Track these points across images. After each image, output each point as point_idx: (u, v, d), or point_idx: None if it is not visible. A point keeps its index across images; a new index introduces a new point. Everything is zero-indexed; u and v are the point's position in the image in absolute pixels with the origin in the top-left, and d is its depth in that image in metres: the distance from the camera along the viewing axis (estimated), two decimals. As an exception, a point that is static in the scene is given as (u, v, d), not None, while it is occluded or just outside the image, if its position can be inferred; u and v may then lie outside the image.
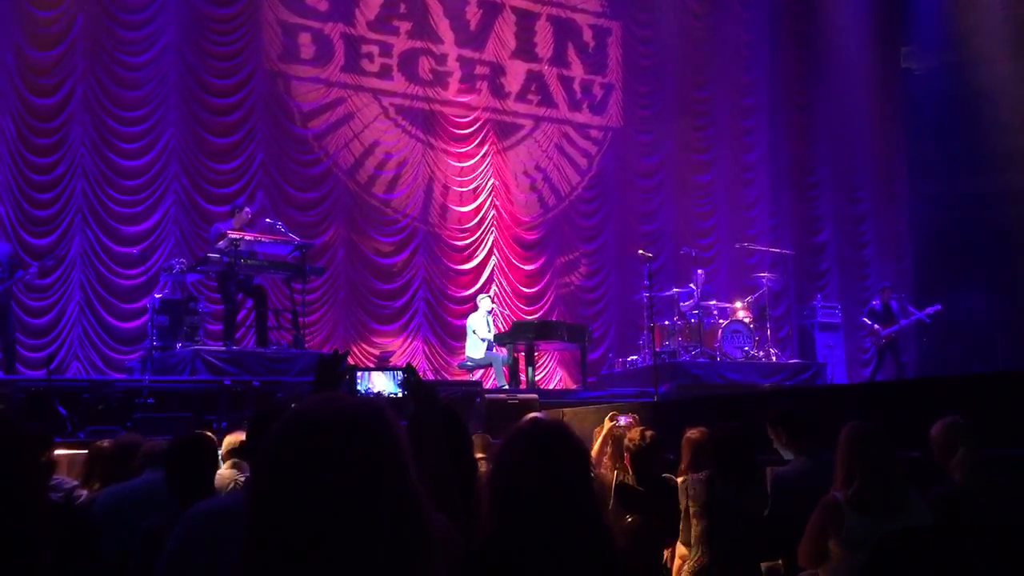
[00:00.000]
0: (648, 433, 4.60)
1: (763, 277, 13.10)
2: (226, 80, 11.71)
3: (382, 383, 8.18)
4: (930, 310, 12.84)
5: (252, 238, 9.60)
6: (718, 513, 3.97)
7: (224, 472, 4.06)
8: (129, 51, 11.15)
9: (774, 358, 12.58)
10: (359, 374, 8.14)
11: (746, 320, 12.32)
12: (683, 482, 4.23)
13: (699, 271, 12.64)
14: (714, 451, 4.12)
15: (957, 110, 15.27)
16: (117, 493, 3.68)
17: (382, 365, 11.91)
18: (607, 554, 2.02)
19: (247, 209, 9.87)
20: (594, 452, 5.00)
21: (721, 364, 11.75)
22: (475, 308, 11.93)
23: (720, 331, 12.06)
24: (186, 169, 11.36)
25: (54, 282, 10.53)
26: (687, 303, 12.31)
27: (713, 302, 12.50)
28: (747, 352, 12.05)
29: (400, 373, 8.10)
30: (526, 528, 1.96)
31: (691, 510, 4.10)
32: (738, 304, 12.60)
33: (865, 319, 13.21)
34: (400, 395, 7.70)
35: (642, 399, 10.14)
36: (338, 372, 2.29)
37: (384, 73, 12.84)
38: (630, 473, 4.56)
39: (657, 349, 11.62)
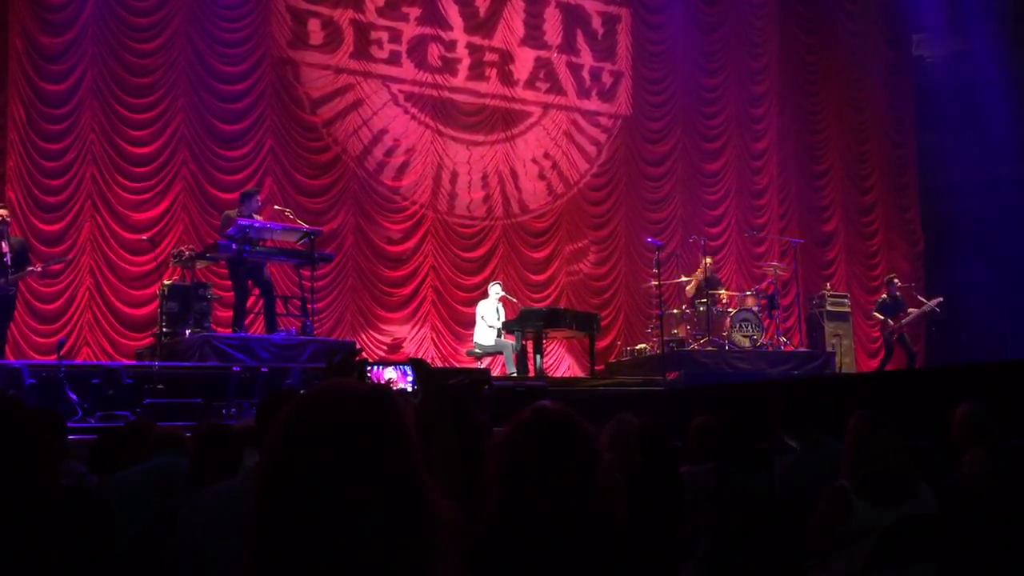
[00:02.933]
0: (654, 420, 4.60)
1: (772, 266, 13.08)
2: (235, 67, 11.71)
3: (393, 376, 8.19)
4: (933, 303, 12.87)
5: (261, 225, 9.62)
6: (726, 503, 3.96)
7: None
8: (139, 38, 11.15)
9: (783, 347, 12.57)
10: (369, 368, 8.16)
11: (755, 309, 12.31)
12: (689, 472, 4.21)
13: (706, 258, 12.62)
14: (718, 440, 4.11)
15: (970, 99, 15.18)
16: (129, 477, 3.71)
17: (389, 359, 11.95)
18: (613, 544, 2.02)
19: (256, 197, 9.90)
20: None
21: (730, 353, 11.75)
22: (484, 295, 11.93)
23: (729, 320, 12.06)
24: (195, 156, 11.37)
25: (64, 268, 10.56)
26: (694, 291, 12.31)
27: (722, 291, 12.49)
28: (755, 341, 12.05)
29: (408, 368, 8.12)
30: (529, 517, 1.97)
31: (698, 500, 4.09)
32: (747, 293, 12.60)
33: (876, 313, 13.24)
34: (410, 389, 7.71)
35: (650, 387, 10.16)
36: (349, 363, 2.29)
37: (393, 60, 12.82)
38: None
39: (666, 338, 11.63)
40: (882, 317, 13.05)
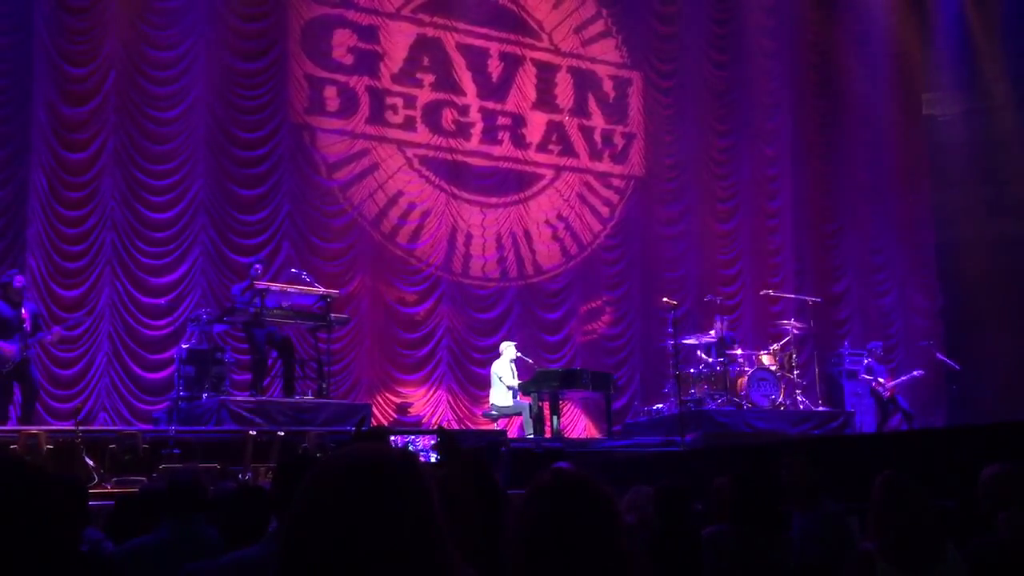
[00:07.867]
0: (673, 482, 4.55)
1: (788, 324, 13.02)
2: (253, 133, 11.90)
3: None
4: (916, 373, 13.15)
5: (278, 288, 9.70)
6: (747, 565, 3.88)
7: None
8: (159, 106, 11.37)
9: (801, 406, 12.44)
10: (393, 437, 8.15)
11: (772, 368, 12.22)
12: (709, 535, 4.14)
13: (720, 317, 12.58)
14: (737, 500, 4.04)
15: (981, 156, 15.23)
16: (145, 543, 3.68)
17: (403, 419, 11.91)
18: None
19: (257, 267, 10.01)
20: None
21: (748, 412, 11.63)
22: (499, 356, 11.90)
23: (746, 379, 11.97)
24: (214, 221, 11.50)
25: (83, 333, 10.63)
26: (706, 350, 12.25)
27: (738, 351, 12.42)
28: (774, 400, 11.94)
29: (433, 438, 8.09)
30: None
31: (719, 563, 4.01)
32: (763, 352, 12.52)
33: (864, 375, 13.28)
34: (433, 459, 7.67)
35: (668, 448, 10.06)
36: (377, 431, 2.30)
37: (408, 125, 13.01)
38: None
39: (683, 397, 11.54)
40: (870, 378, 13.10)
